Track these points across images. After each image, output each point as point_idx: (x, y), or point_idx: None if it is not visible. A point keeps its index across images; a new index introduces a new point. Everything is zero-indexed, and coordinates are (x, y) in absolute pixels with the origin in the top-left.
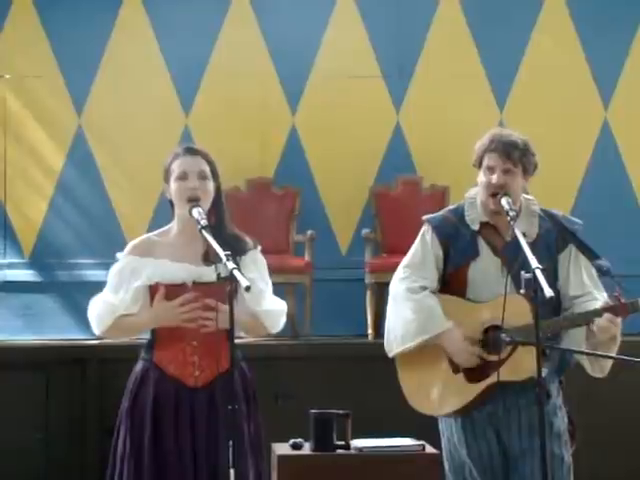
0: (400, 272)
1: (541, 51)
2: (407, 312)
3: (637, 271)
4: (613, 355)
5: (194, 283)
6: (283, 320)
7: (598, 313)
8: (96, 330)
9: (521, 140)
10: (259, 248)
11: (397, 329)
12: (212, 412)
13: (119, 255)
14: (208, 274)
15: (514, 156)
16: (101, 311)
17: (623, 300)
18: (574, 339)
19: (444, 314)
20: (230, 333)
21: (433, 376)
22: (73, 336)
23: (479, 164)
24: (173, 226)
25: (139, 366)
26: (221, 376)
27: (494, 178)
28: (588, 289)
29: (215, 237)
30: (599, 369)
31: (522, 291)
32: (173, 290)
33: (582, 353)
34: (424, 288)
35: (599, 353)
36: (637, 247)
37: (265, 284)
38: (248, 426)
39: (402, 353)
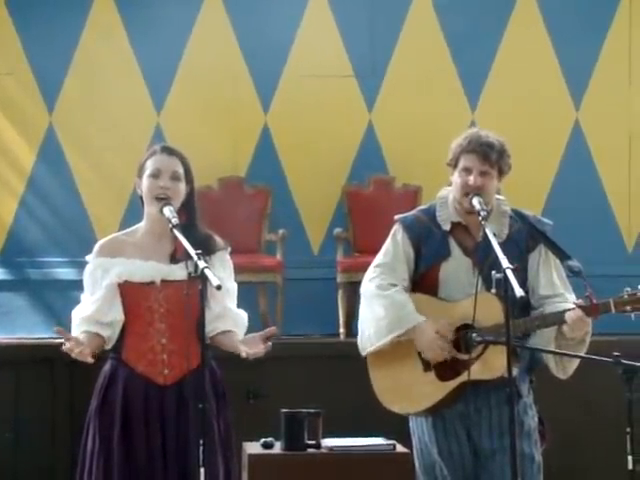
0: (371, 272)
1: (513, 51)
2: (378, 309)
3: (607, 271)
4: (582, 355)
5: (162, 281)
6: (246, 324)
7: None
8: None
9: (498, 142)
10: (229, 249)
11: (370, 327)
12: (182, 410)
13: (88, 258)
14: (176, 272)
15: (491, 158)
16: (73, 325)
17: (595, 301)
18: (542, 339)
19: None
20: (201, 332)
21: (404, 374)
22: (43, 335)
23: (455, 164)
24: (142, 225)
25: (108, 365)
26: (190, 374)
27: (471, 179)
28: (559, 290)
29: (187, 236)
30: (562, 370)
31: (493, 291)
32: (142, 289)
33: (552, 353)
34: (394, 285)
35: (569, 353)
36: (607, 247)
37: (232, 285)
38: (218, 424)
39: (374, 351)
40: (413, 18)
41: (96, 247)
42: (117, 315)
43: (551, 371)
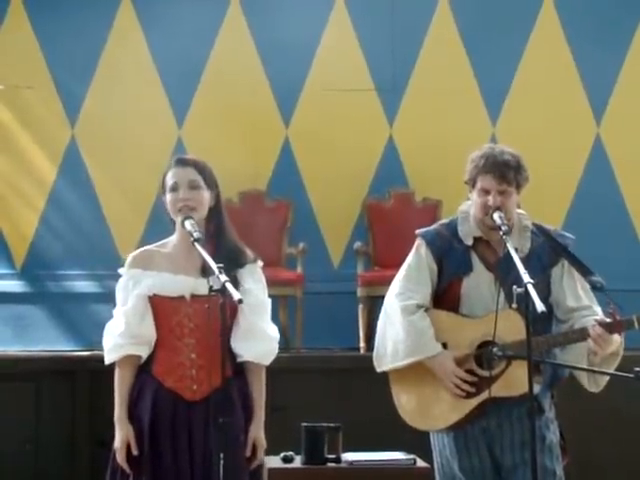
0: (396, 287)
1: (534, 66)
2: (399, 332)
3: (629, 286)
4: (602, 370)
5: (192, 296)
6: (274, 351)
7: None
8: (105, 360)
9: (513, 158)
10: (259, 263)
11: (387, 347)
12: (209, 426)
13: (121, 270)
14: (206, 287)
15: (509, 177)
16: (110, 344)
17: (618, 317)
18: (574, 354)
19: (438, 330)
20: (223, 347)
21: (427, 391)
22: (64, 347)
23: (472, 184)
24: (172, 238)
25: (135, 379)
26: (218, 390)
27: (490, 200)
28: (585, 302)
29: (217, 247)
30: (594, 384)
31: (514, 306)
32: (172, 303)
33: (574, 368)
34: (419, 306)
35: (591, 368)
36: (629, 262)
37: (264, 299)
38: (245, 439)
39: (388, 371)
40: (434, 33)
41: (128, 259)
42: (151, 330)
43: (583, 385)
